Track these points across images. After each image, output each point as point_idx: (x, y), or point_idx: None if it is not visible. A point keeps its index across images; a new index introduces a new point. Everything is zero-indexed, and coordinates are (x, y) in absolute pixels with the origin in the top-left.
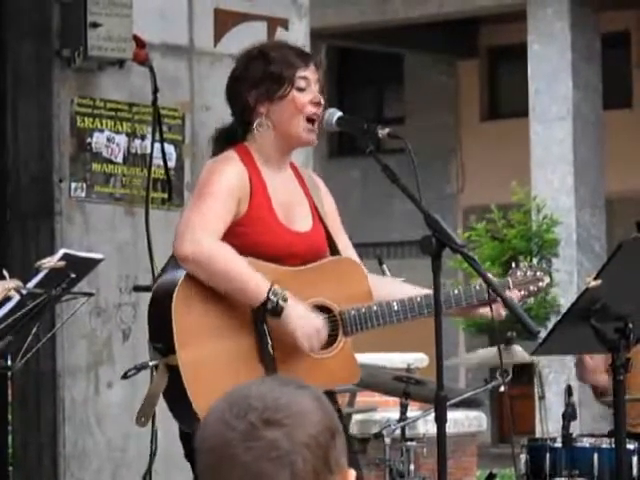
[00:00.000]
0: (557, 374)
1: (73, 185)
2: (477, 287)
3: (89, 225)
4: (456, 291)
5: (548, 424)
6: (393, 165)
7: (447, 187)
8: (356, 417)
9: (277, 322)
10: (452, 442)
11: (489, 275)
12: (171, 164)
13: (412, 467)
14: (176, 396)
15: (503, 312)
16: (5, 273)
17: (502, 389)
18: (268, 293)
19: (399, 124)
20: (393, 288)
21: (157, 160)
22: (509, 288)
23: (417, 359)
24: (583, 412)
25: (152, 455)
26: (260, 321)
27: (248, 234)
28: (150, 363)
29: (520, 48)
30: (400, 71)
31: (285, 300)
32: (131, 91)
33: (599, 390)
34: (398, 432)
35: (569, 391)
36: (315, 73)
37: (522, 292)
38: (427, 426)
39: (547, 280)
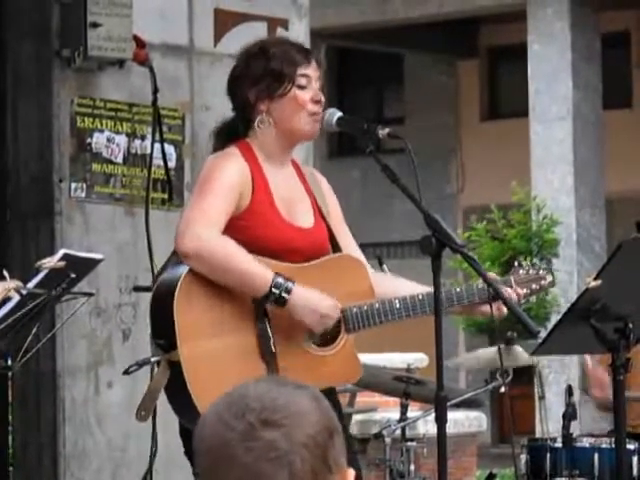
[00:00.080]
0: (557, 374)
1: (73, 185)
2: (479, 285)
3: (89, 225)
4: (458, 289)
5: (548, 424)
6: (393, 165)
7: (447, 187)
8: (356, 417)
9: (281, 314)
10: (452, 442)
11: (489, 275)
12: (171, 164)
13: (412, 467)
14: (177, 392)
15: (504, 309)
16: (5, 273)
17: (502, 390)
18: (271, 286)
19: (399, 124)
20: (395, 285)
21: (157, 160)
22: (511, 286)
23: (417, 359)
24: (583, 412)
25: (152, 456)
26: (262, 318)
27: (249, 228)
28: (152, 359)
29: (520, 48)
30: (400, 71)
31: (288, 292)
32: (131, 91)
33: (607, 405)
34: (398, 432)
35: (569, 391)
36: (316, 70)
37: (525, 290)
38: (427, 426)
39: (550, 278)
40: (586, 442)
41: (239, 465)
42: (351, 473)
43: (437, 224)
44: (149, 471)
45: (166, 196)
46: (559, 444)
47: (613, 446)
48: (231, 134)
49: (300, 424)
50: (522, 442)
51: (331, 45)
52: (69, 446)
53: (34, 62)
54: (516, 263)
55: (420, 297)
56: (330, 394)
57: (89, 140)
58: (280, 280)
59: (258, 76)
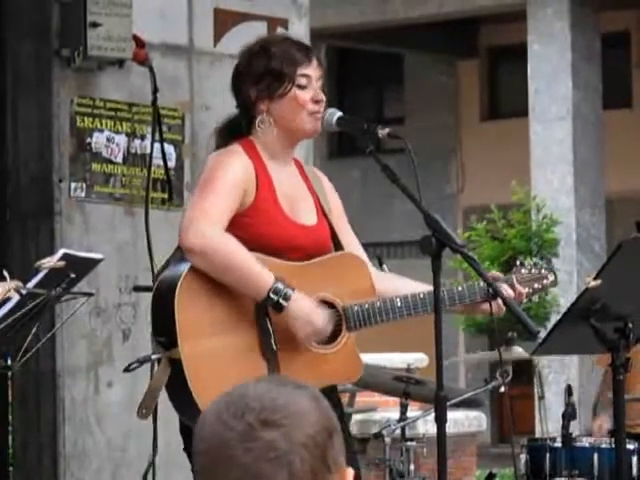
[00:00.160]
0: (557, 374)
1: (73, 185)
2: (481, 284)
3: (89, 225)
4: (460, 288)
5: (548, 424)
6: (393, 165)
7: (447, 187)
8: (356, 417)
9: (280, 316)
10: (452, 442)
11: (490, 274)
12: (171, 164)
13: (412, 467)
14: (178, 389)
15: (504, 307)
16: (5, 273)
17: (502, 390)
18: (269, 291)
19: (399, 124)
20: (396, 284)
21: (157, 160)
22: (513, 285)
23: (417, 359)
24: (583, 412)
25: (153, 456)
26: (263, 316)
27: (253, 225)
28: (153, 357)
29: (520, 48)
30: (400, 71)
31: (287, 299)
32: (131, 91)
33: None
34: (398, 432)
35: (569, 391)
36: (317, 69)
37: (527, 289)
38: (427, 426)
39: (552, 278)
40: (586, 442)
41: (238, 465)
42: (350, 472)
43: (437, 224)
44: (151, 465)
45: (166, 196)
46: (559, 444)
47: (613, 446)
48: (234, 132)
49: (299, 424)
50: (522, 442)
51: (331, 45)
52: (69, 446)
53: (34, 62)
54: (518, 262)
55: (421, 296)
56: (331, 392)
57: (89, 140)
58: (280, 286)
59: (259, 75)
